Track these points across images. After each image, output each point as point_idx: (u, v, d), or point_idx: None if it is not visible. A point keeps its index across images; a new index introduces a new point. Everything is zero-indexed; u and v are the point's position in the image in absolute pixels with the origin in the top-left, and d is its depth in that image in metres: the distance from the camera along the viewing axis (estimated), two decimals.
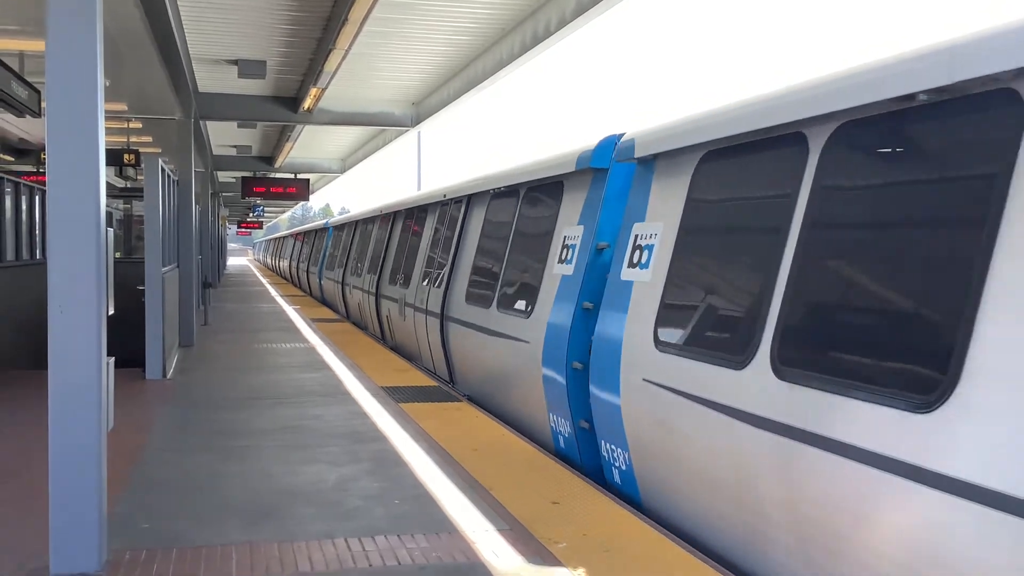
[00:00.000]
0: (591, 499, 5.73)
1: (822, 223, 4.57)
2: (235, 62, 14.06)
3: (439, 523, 5.22)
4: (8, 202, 13.24)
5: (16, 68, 10.45)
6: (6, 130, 18.25)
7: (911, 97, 4.01)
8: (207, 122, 18.94)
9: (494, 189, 10.19)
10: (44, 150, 4.61)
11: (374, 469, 6.45)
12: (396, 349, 14.22)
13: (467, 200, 11.33)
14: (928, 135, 4.12)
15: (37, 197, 14.91)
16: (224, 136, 23.36)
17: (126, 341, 8.54)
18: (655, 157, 6.51)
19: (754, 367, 4.69)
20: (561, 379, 7.24)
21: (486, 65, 13.58)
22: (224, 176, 33.27)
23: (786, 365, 4.47)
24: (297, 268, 35.85)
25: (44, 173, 4.89)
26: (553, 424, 7.62)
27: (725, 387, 4.92)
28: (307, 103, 16.15)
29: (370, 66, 14.57)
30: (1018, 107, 3.57)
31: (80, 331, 4.32)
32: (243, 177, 24.78)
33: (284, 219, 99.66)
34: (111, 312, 4.84)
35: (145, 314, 10.22)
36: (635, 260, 6.38)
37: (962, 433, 3.41)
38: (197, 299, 15.97)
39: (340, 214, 64.18)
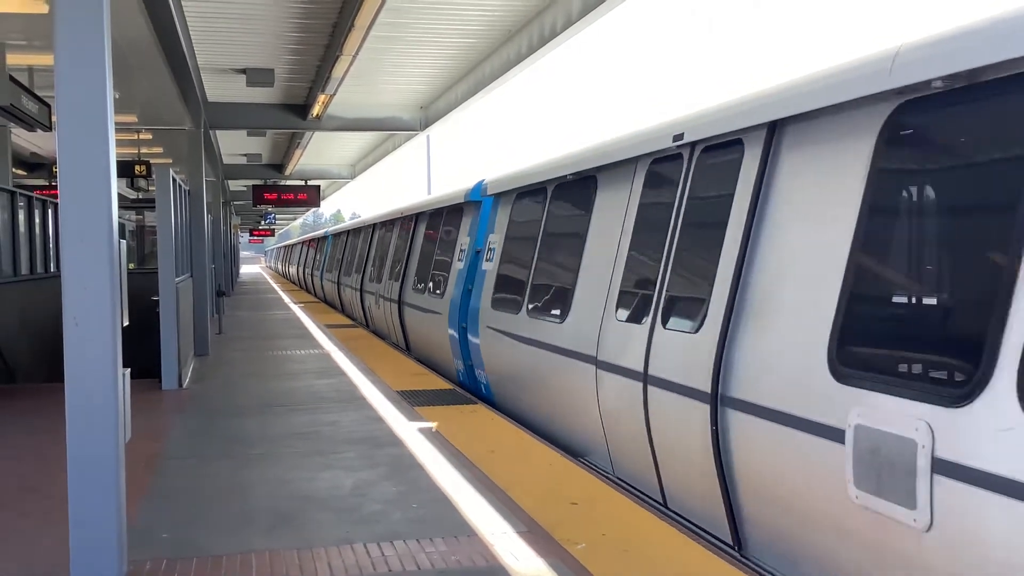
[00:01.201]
0: (610, 500, 5.71)
1: (547, 241, 8.73)
2: (243, 71, 14.12)
3: (458, 526, 5.22)
4: (22, 216, 13.31)
5: (26, 83, 10.51)
6: (18, 144, 18.37)
7: (581, 172, 7.93)
8: (217, 131, 19.02)
9: (429, 210, 14.28)
10: (56, 164, 4.62)
11: (391, 474, 6.45)
12: (376, 333, 17.50)
13: (416, 217, 15.33)
14: (584, 193, 7.93)
15: (50, 210, 14.99)
16: (234, 145, 23.45)
17: (141, 352, 8.57)
18: (499, 194, 10.50)
19: (521, 313, 8.82)
20: (456, 335, 11.12)
21: (493, 67, 13.59)
22: (235, 185, 33.40)
23: (531, 311, 8.65)
24: (303, 272, 39.31)
25: (56, 187, 4.89)
26: (456, 366, 11.40)
27: (514, 324, 9.00)
28: (316, 110, 16.20)
29: (378, 71, 14.60)
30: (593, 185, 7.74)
31: (96, 343, 4.33)
32: (254, 185, 24.87)
33: (296, 226, 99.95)
34: (126, 323, 4.85)
35: (160, 324, 10.25)
36: (488, 257, 10.36)
37: (572, 331, 7.51)
38: (211, 308, 16.03)
39: (351, 219, 64.89)
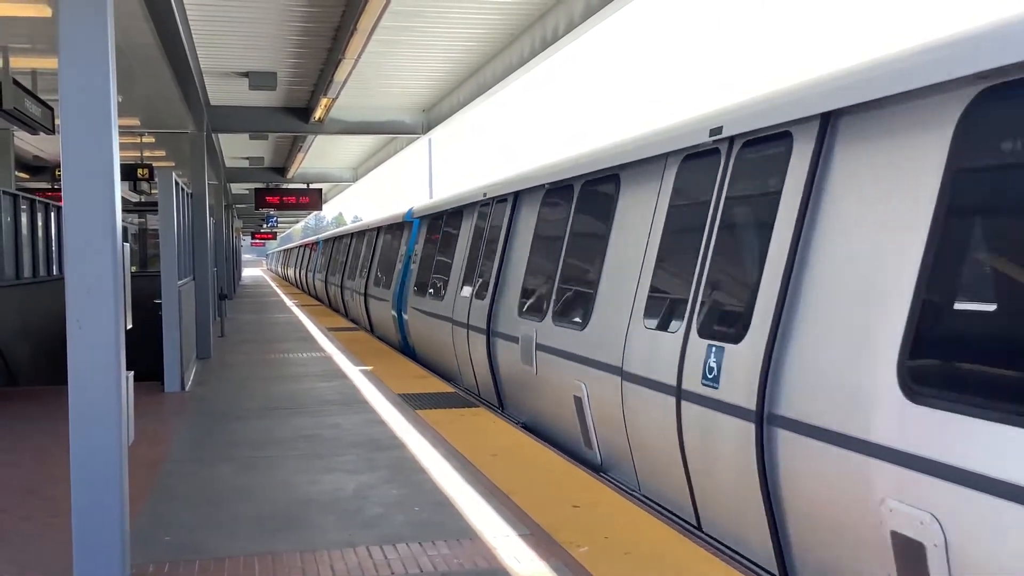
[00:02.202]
0: (611, 502, 5.72)
1: (441, 249, 13.00)
2: (246, 74, 14.13)
3: (460, 529, 5.22)
4: (24, 219, 13.33)
5: (29, 86, 10.53)
6: (21, 148, 18.39)
7: (474, 202, 11.71)
8: (219, 135, 19.03)
9: (384, 225, 19.14)
10: (59, 167, 4.62)
11: (393, 477, 6.45)
12: (354, 321, 21.61)
13: (377, 230, 20.10)
14: (458, 221, 12.58)
15: (53, 213, 15.01)
16: (236, 148, 23.46)
17: (144, 355, 8.57)
18: (421, 217, 15.34)
19: (427, 296, 13.05)
20: (396, 315, 15.72)
21: (495, 70, 13.59)
22: (237, 188, 33.42)
23: (430, 295, 12.97)
24: (300, 274, 43.72)
25: (59, 190, 4.89)
26: (397, 337, 15.77)
27: (423, 303, 13.21)
28: (318, 113, 16.20)
29: (380, 75, 14.61)
30: (508, 207, 10.31)
31: (99, 346, 4.33)
32: (256, 188, 24.86)
33: (298, 229, 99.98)
34: (129, 326, 4.86)
35: (162, 327, 10.26)
36: (414, 260, 14.92)
37: (445, 304, 12.02)
38: (213, 311, 16.03)
39: (352, 222, 65.73)
